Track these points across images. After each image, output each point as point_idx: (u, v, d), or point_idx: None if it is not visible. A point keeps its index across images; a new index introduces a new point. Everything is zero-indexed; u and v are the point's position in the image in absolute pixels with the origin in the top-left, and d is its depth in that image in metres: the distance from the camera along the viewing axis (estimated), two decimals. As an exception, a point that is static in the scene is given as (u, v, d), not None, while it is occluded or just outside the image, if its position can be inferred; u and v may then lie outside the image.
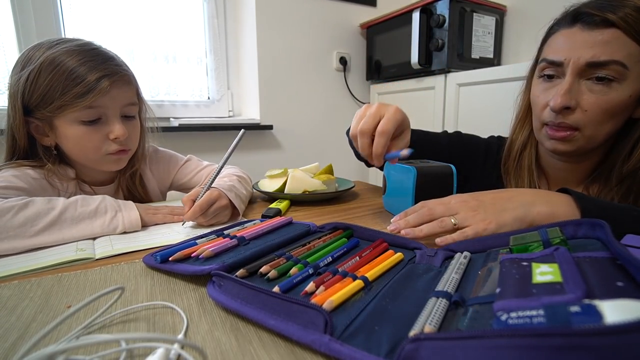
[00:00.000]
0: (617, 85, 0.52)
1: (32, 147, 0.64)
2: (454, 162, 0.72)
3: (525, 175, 0.67)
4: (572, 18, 0.56)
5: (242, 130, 0.63)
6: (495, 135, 0.79)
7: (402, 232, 0.45)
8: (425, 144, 0.75)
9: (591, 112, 0.54)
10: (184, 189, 0.85)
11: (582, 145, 0.58)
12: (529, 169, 0.67)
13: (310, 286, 0.32)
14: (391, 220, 0.49)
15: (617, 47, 0.51)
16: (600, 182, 0.61)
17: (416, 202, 0.56)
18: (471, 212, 0.46)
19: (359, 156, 0.83)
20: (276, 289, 0.31)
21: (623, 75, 0.52)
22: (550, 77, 0.58)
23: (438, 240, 0.44)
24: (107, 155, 0.65)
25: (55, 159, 0.64)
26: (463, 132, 0.82)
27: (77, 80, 0.57)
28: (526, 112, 0.67)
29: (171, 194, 0.89)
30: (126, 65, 0.66)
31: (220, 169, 0.63)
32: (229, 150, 0.62)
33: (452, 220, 0.46)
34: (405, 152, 0.50)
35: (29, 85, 0.58)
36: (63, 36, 1.34)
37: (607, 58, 0.51)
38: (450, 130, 0.83)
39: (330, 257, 0.39)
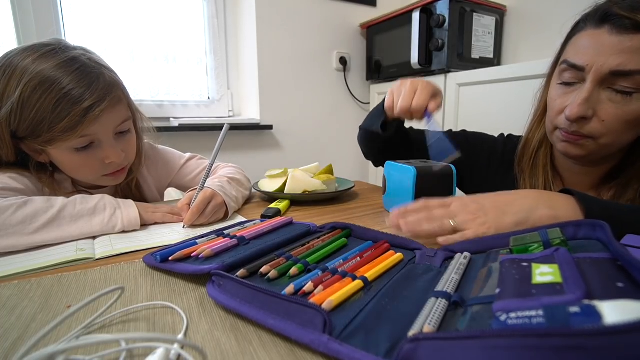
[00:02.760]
0: (638, 96, 0.49)
1: (21, 157, 0.60)
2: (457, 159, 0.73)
3: (541, 175, 0.65)
4: (600, 18, 0.51)
5: (226, 125, 0.63)
6: (506, 134, 0.78)
7: (401, 222, 0.45)
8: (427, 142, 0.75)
9: (609, 123, 0.51)
10: (184, 188, 0.85)
11: (595, 151, 0.55)
12: (544, 168, 0.65)
13: (308, 286, 0.32)
14: (390, 216, 0.48)
15: None
16: (617, 187, 0.58)
17: (416, 202, 0.56)
18: (471, 216, 0.46)
19: (366, 155, 0.86)
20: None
21: None
22: (568, 83, 0.55)
23: (440, 240, 0.44)
24: (104, 176, 0.64)
25: (50, 173, 0.63)
26: (468, 130, 0.82)
27: (63, 113, 0.53)
28: (544, 110, 0.64)
29: (169, 193, 0.89)
30: (113, 78, 0.61)
31: (210, 170, 0.63)
32: (216, 149, 0.63)
33: (451, 222, 0.46)
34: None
35: (13, 117, 0.54)
36: (62, 35, 1.34)
37: (633, 68, 0.47)
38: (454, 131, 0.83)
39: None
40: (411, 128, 0.84)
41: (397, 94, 0.66)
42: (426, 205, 0.49)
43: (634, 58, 0.47)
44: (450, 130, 0.83)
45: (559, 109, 0.56)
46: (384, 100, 0.72)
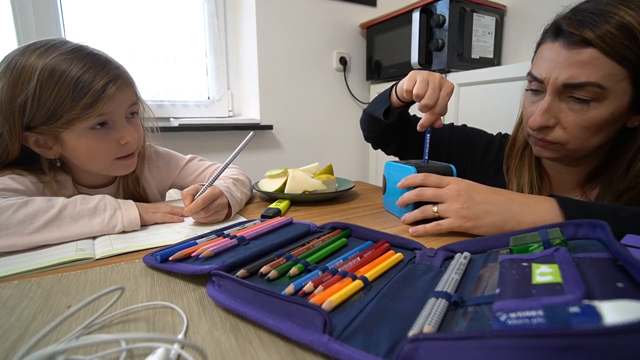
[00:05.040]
0: (596, 104, 0.51)
1: (24, 156, 0.60)
2: (452, 151, 0.79)
3: (526, 174, 0.66)
4: (554, 32, 0.54)
5: (252, 133, 0.63)
6: (503, 132, 0.80)
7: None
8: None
9: (571, 130, 0.54)
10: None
11: (566, 154, 0.57)
12: (530, 167, 0.67)
13: (308, 286, 0.32)
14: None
15: (595, 68, 0.49)
16: (601, 186, 0.59)
17: (416, 203, 0.56)
18: (456, 205, 0.50)
19: (366, 137, 0.90)
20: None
21: (601, 96, 0.50)
22: (535, 91, 0.58)
23: (411, 230, 0.52)
24: (117, 160, 0.64)
25: (56, 171, 0.63)
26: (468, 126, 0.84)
27: (83, 90, 0.55)
28: None
29: (170, 194, 0.89)
30: (121, 64, 0.64)
31: (224, 168, 0.63)
32: (235, 151, 0.62)
33: (434, 209, 0.52)
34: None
35: (30, 103, 0.54)
36: (61, 35, 1.34)
37: (583, 80, 0.50)
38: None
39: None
40: (414, 116, 0.85)
41: (422, 85, 0.60)
42: (424, 180, 0.54)
43: (584, 71, 0.50)
44: (452, 123, 0.85)
45: (528, 117, 0.58)
46: (391, 87, 0.74)
